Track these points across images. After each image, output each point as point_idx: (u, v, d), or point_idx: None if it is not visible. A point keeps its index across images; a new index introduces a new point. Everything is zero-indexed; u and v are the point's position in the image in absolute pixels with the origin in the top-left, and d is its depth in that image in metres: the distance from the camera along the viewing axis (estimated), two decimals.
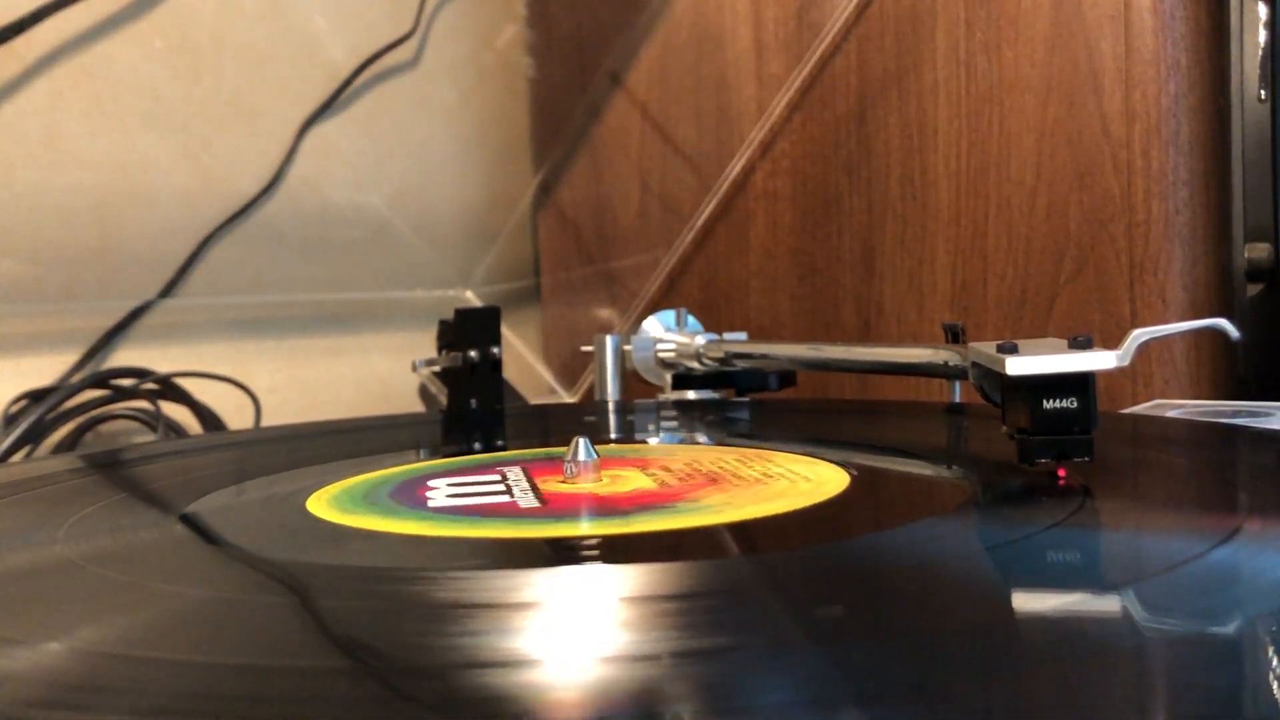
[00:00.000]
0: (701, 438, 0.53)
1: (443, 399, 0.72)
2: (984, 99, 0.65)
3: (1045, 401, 0.34)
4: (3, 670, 0.22)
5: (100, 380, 0.74)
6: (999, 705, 0.19)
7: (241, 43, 0.85)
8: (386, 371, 0.91)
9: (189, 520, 0.36)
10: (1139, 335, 0.34)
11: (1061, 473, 0.35)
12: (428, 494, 0.38)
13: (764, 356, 0.61)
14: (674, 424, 0.58)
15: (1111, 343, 0.34)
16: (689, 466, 0.41)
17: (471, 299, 0.97)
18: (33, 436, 0.68)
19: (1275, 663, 0.20)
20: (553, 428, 0.64)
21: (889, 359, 0.54)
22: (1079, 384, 0.34)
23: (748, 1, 0.79)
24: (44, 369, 0.76)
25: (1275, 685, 0.19)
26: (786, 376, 0.63)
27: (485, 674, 0.21)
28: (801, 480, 0.38)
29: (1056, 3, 0.62)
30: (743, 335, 0.67)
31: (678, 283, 0.84)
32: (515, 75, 1.00)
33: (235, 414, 0.79)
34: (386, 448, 0.50)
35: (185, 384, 0.77)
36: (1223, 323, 0.38)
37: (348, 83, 0.90)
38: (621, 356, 0.68)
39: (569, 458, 0.39)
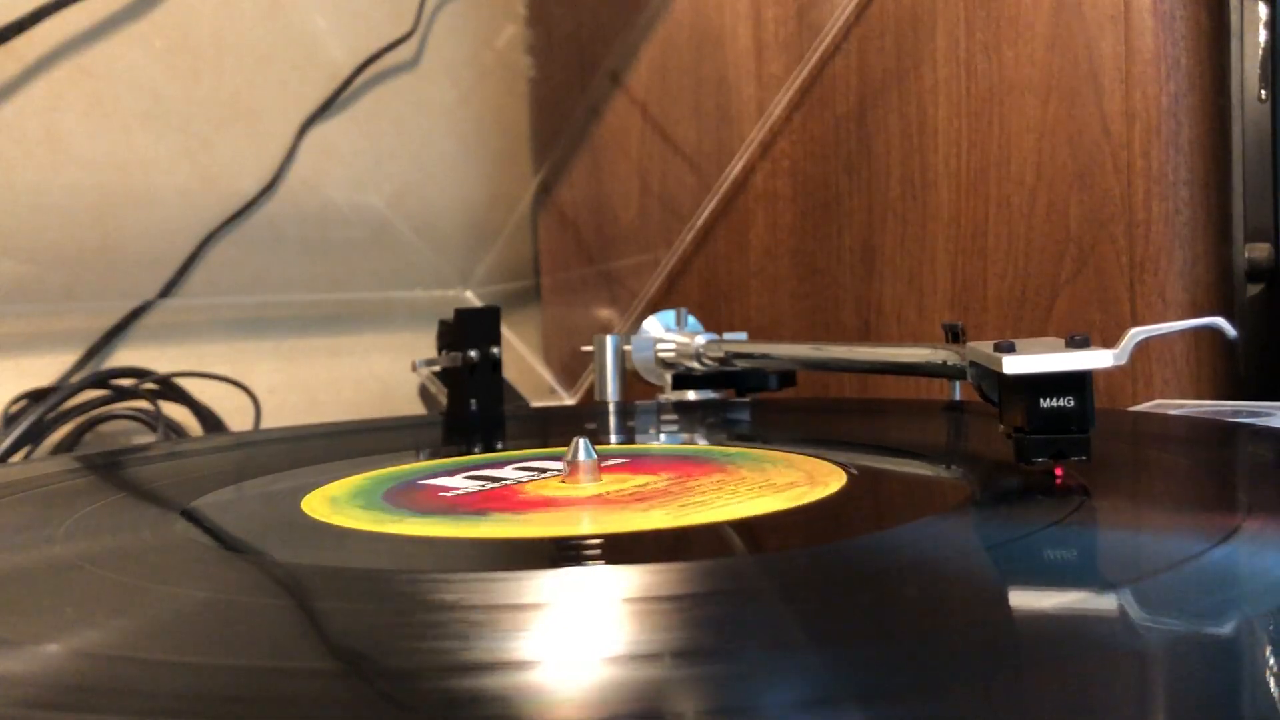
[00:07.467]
0: (700, 439, 0.53)
1: (443, 399, 0.72)
2: (984, 99, 0.65)
3: (1043, 400, 0.34)
4: (3, 670, 0.22)
5: (100, 380, 0.74)
6: (998, 704, 0.19)
7: (241, 43, 0.85)
8: (386, 371, 0.91)
9: (188, 521, 0.36)
10: (1136, 334, 0.34)
11: (1059, 472, 0.35)
12: (439, 493, 0.38)
13: (764, 356, 0.61)
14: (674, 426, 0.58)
15: (1112, 343, 0.34)
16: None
17: (471, 299, 0.97)
18: (33, 436, 0.68)
19: (1273, 662, 0.20)
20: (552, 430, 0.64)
21: (889, 359, 0.54)
22: (1076, 383, 0.34)
23: (748, 1, 0.79)
24: (44, 369, 0.76)
25: (1273, 685, 0.19)
26: (786, 376, 0.63)
27: (483, 676, 0.21)
28: (802, 478, 0.38)
29: (1056, 3, 0.62)
30: (743, 335, 0.67)
31: (678, 283, 0.84)
32: (515, 75, 1.00)
33: (235, 414, 0.79)
34: (387, 448, 0.50)
35: (185, 384, 0.77)
36: (1220, 321, 0.38)
37: (348, 83, 0.90)
38: (621, 356, 0.68)
39: (568, 458, 0.39)
